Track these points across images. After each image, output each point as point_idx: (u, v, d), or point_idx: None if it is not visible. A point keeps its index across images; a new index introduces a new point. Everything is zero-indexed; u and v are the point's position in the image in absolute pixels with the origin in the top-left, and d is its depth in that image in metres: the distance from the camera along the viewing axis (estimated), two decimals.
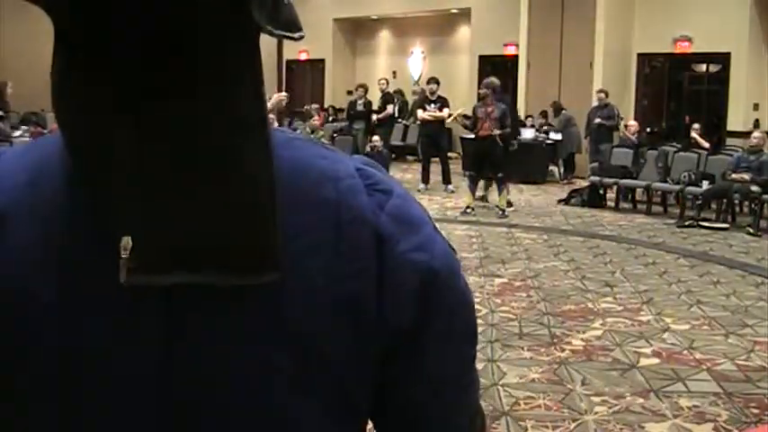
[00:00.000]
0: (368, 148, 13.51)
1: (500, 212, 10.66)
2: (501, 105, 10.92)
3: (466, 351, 0.82)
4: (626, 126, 13.27)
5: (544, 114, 15.30)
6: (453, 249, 0.81)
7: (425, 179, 13.03)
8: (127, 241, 0.66)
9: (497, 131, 10.63)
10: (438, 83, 13.18)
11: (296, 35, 0.75)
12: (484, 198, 11.73)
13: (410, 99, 17.50)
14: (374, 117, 15.83)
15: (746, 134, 11.74)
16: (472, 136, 11.34)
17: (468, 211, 10.79)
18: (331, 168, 0.75)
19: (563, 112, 14.67)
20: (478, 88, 18.99)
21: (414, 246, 0.75)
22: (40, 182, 0.72)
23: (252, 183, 0.68)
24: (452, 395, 0.81)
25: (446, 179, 13.01)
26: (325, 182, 0.74)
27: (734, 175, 10.27)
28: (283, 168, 0.72)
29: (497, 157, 10.69)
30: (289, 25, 0.75)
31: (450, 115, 12.84)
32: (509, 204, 10.91)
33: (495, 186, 11.03)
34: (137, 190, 0.67)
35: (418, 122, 13.74)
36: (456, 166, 14.34)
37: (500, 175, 10.68)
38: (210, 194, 0.67)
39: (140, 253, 0.66)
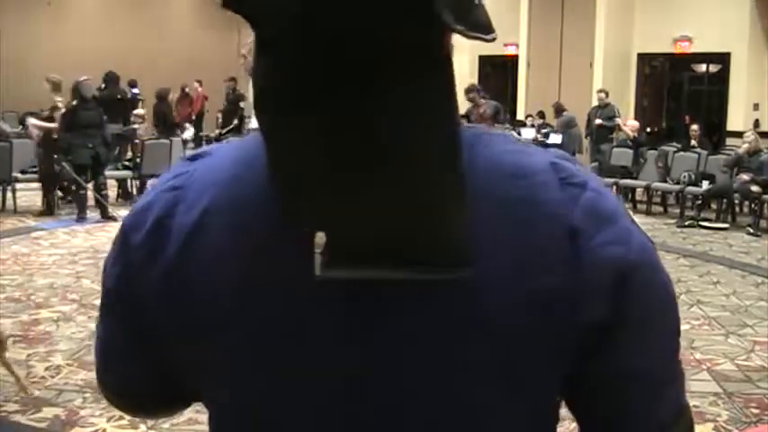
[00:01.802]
0: None
1: None
2: (491, 102, 10.86)
3: (667, 346, 0.80)
4: (619, 128, 13.24)
5: (541, 115, 15.27)
6: (653, 243, 0.80)
7: None
8: (321, 237, 0.69)
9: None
10: None
11: (488, 36, 0.75)
12: None
13: None
14: None
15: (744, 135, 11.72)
16: None
17: None
18: (523, 163, 0.76)
19: (564, 113, 14.62)
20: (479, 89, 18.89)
21: (609, 239, 0.75)
22: (245, 177, 0.77)
23: (441, 180, 0.69)
24: (652, 392, 0.79)
25: None
26: (517, 178, 0.75)
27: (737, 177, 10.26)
28: (474, 165, 0.73)
29: None
30: (480, 26, 0.74)
31: None
32: None
33: None
34: (328, 187, 0.69)
35: None
36: None
37: None
38: (400, 191, 0.68)
39: (333, 248, 0.69)
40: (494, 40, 0.76)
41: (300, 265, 0.70)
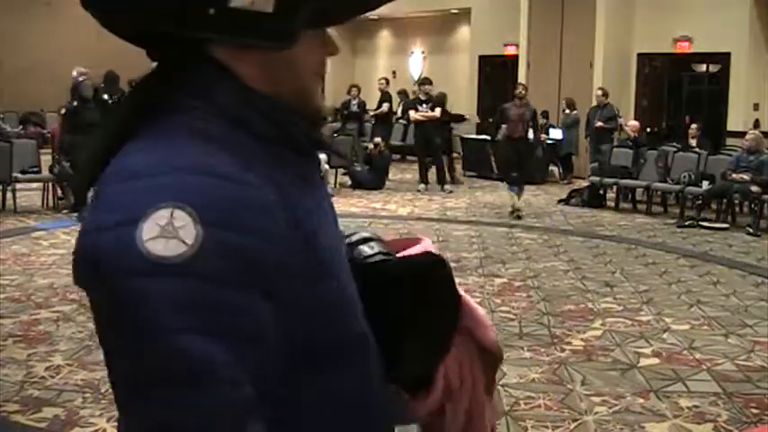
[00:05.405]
0: (371, 146, 13.48)
1: (516, 214, 10.60)
2: (530, 107, 10.82)
3: (116, 350, 0.79)
4: (621, 128, 13.25)
5: (546, 115, 15.26)
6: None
7: (424, 179, 12.99)
8: None
9: (531, 134, 10.77)
10: (431, 83, 13.17)
11: (267, 43, 0.86)
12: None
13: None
14: (370, 113, 15.77)
15: (746, 134, 11.72)
16: (486, 138, 11.29)
17: (521, 214, 10.58)
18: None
19: (574, 112, 14.59)
20: (479, 88, 18.89)
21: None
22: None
23: None
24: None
25: (441, 180, 12.93)
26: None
27: (734, 176, 10.26)
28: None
29: (527, 160, 10.77)
30: (253, 34, 0.84)
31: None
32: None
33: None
34: None
35: (411, 122, 13.71)
36: (456, 167, 14.35)
37: (514, 174, 10.69)
38: None
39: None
40: (282, 47, 0.84)
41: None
